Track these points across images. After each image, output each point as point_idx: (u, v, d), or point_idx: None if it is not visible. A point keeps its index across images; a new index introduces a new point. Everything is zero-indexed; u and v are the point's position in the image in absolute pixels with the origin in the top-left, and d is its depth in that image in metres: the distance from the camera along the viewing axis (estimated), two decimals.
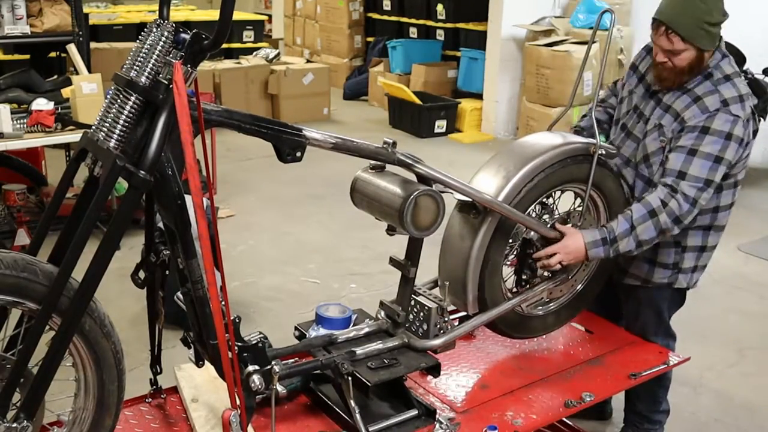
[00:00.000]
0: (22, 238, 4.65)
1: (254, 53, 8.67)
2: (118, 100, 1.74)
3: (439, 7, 9.21)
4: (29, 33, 5.21)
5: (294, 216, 5.60)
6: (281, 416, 2.18)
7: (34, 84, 4.77)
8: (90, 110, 4.40)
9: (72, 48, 5.05)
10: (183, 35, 1.73)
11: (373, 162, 2.17)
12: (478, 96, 8.39)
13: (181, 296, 2.00)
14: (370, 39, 10.34)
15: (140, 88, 1.72)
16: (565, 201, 2.64)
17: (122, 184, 1.73)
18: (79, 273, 1.71)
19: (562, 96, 7.11)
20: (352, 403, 2.08)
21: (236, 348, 1.91)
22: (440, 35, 9.42)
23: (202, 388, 2.28)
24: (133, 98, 1.72)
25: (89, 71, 5.00)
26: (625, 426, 3.03)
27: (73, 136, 4.39)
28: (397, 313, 2.28)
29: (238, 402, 1.87)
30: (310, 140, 1.95)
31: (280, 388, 2.16)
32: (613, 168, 2.62)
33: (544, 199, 2.52)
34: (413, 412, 2.20)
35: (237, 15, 8.46)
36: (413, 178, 2.16)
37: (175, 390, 2.31)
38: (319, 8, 10.66)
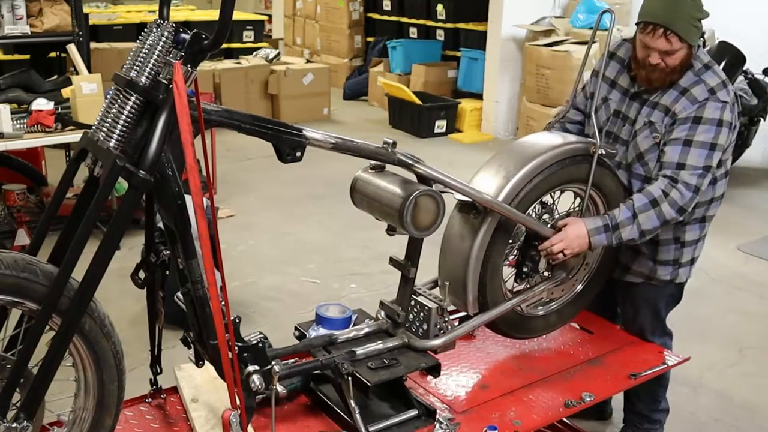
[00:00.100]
0: (22, 238, 4.65)
1: (254, 53, 8.67)
2: (118, 100, 1.74)
3: (439, 7, 9.21)
4: (29, 33, 5.21)
5: (294, 216, 5.60)
6: (281, 416, 2.18)
7: (34, 84, 4.77)
8: (90, 110, 4.40)
9: (72, 48, 5.05)
10: (183, 35, 1.73)
11: (373, 162, 2.17)
12: (478, 96, 8.39)
13: (181, 296, 2.00)
14: (370, 39, 10.34)
15: (140, 88, 1.72)
16: (564, 201, 2.64)
17: (122, 184, 1.73)
18: (79, 273, 1.71)
19: (562, 96, 7.10)
20: (352, 403, 2.08)
21: (236, 348, 1.91)
22: (440, 35, 9.42)
23: (202, 388, 2.28)
24: (133, 98, 1.72)
25: (89, 71, 5.00)
26: (625, 426, 3.04)
27: (73, 136, 4.39)
28: (397, 313, 2.28)
29: (238, 402, 1.87)
30: (310, 140, 1.95)
31: (280, 388, 2.16)
32: (612, 167, 2.62)
33: (544, 199, 2.53)
34: (413, 412, 2.20)
35: (237, 15, 8.46)
36: (413, 178, 2.16)
37: (175, 390, 2.31)
38: (319, 8, 10.66)
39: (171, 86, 1.69)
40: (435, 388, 2.39)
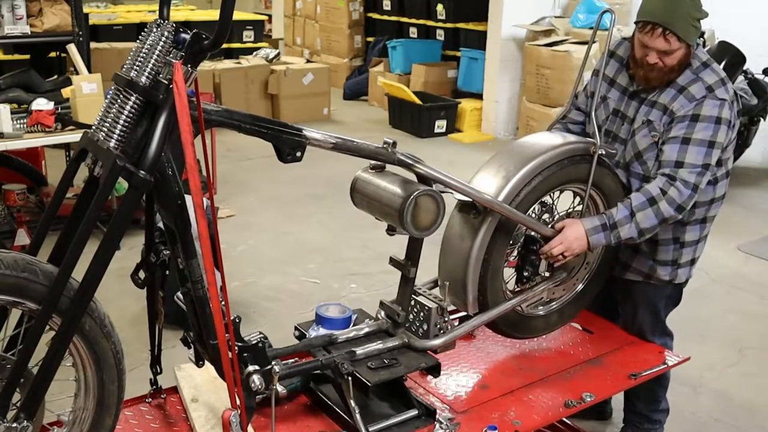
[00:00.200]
0: (22, 238, 4.65)
1: (254, 53, 8.67)
2: (118, 100, 1.74)
3: (439, 7, 9.21)
4: (29, 33, 5.21)
5: (294, 216, 5.60)
6: (281, 416, 2.18)
7: (34, 84, 4.77)
8: (90, 110, 4.40)
9: (72, 48, 5.05)
10: (183, 35, 1.73)
11: (373, 162, 2.17)
12: (478, 96, 8.39)
13: (181, 296, 2.00)
14: (370, 39, 10.34)
15: (140, 88, 1.72)
16: (564, 200, 2.64)
17: (122, 184, 1.73)
18: (79, 273, 1.71)
19: (562, 96, 7.11)
20: (352, 403, 2.08)
21: (236, 348, 1.91)
22: (440, 35, 9.42)
23: (202, 388, 2.28)
24: (133, 98, 1.72)
25: (89, 71, 5.00)
26: (625, 426, 3.03)
27: (73, 136, 4.39)
28: (397, 313, 2.28)
29: (238, 402, 1.87)
30: (310, 140, 1.95)
31: (280, 388, 2.16)
32: (612, 166, 2.62)
33: (544, 199, 2.52)
34: (413, 412, 2.20)
35: (237, 15, 8.46)
36: (413, 178, 2.16)
37: (175, 390, 2.31)
38: (319, 8, 10.66)
39: (171, 86, 1.69)
40: (435, 388, 2.39)
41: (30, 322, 1.78)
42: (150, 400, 2.25)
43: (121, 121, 1.72)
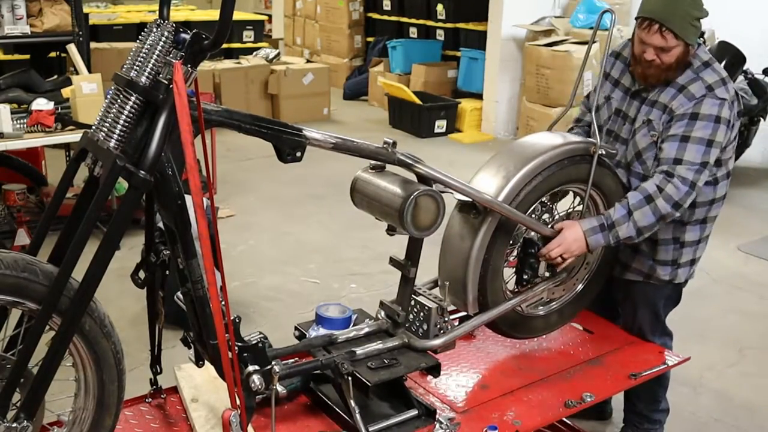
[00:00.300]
0: (22, 238, 4.65)
1: (254, 53, 8.67)
2: (118, 100, 1.74)
3: (439, 7, 9.21)
4: (29, 33, 5.21)
5: (294, 216, 5.60)
6: (281, 416, 2.18)
7: (34, 84, 4.77)
8: (90, 110, 4.40)
9: (72, 48, 5.05)
10: (183, 35, 1.73)
11: (373, 162, 2.17)
12: (478, 96, 8.39)
13: (181, 296, 2.00)
14: (370, 39, 10.34)
15: (140, 88, 1.72)
16: (564, 200, 2.64)
17: (122, 184, 1.73)
18: (79, 273, 1.71)
19: (562, 96, 7.11)
20: (352, 403, 2.08)
21: (236, 348, 1.91)
22: (440, 35, 9.42)
23: (202, 388, 2.28)
24: (133, 98, 1.72)
25: (89, 71, 5.00)
26: (625, 426, 3.03)
27: (73, 136, 4.39)
28: (397, 313, 2.28)
29: (238, 402, 1.87)
30: (310, 140, 1.95)
31: (280, 388, 2.16)
32: (612, 166, 2.62)
33: (544, 199, 2.52)
34: (413, 412, 2.20)
35: (237, 15, 8.46)
36: (413, 178, 2.16)
37: (175, 390, 2.31)
38: (319, 8, 10.66)
39: (171, 86, 1.69)
40: (435, 388, 2.39)
41: (30, 322, 1.78)
42: (150, 400, 2.25)
43: (121, 121, 1.72)
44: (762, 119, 6.32)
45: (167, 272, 2.04)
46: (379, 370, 2.14)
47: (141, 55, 1.74)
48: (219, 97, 7.74)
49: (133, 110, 1.73)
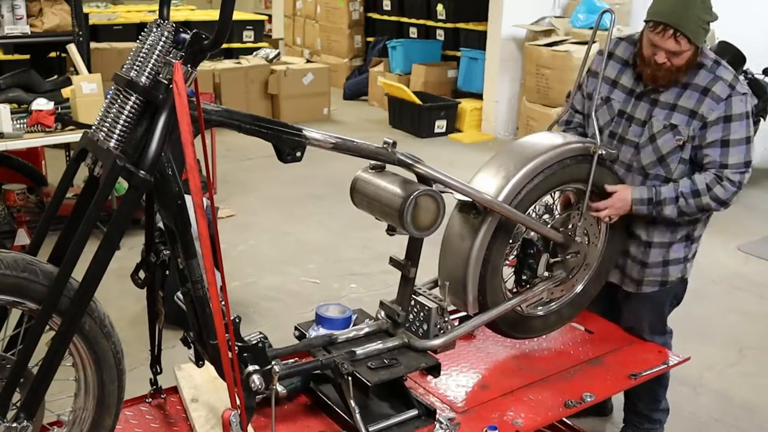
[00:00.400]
0: (22, 238, 4.65)
1: (254, 53, 8.67)
2: (118, 100, 1.74)
3: (439, 7, 9.22)
4: (29, 33, 5.21)
5: (294, 216, 5.60)
6: (281, 416, 2.18)
7: (34, 84, 4.77)
8: (90, 110, 4.40)
9: (72, 48, 5.05)
10: (183, 35, 1.73)
11: (373, 162, 2.17)
12: (478, 96, 8.39)
13: (181, 296, 2.00)
14: (370, 39, 10.34)
15: (140, 88, 1.72)
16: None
17: (122, 184, 1.73)
18: (79, 273, 1.71)
19: (562, 96, 7.10)
20: (352, 403, 2.08)
21: (236, 348, 1.91)
22: (440, 35, 9.42)
23: (202, 388, 2.28)
24: (133, 98, 1.72)
25: (89, 71, 5.00)
26: (625, 425, 3.04)
27: (73, 136, 4.39)
28: (397, 313, 2.28)
29: (238, 402, 1.87)
30: (310, 140, 1.95)
31: (280, 388, 2.16)
32: (612, 167, 2.62)
33: (544, 199, 2.53)
34: (413, 412, 2.20)
35: (237, 15, 8.46)
36: (413, 178, 2.16)
37: (175, 390, 2.31)
38: (319, 8, 10.66)
39: (171, 86, 1.69)
40: (435, 388, 2.39)
41: (30, 322, 1.78)
42: (150, 400, 2.25)
43: (121, 121, 1.72)
44: (762, 119, 6.31)
45: (167, 272, 2.04)
46: (379, 370, 2.14)
47: (141, 55, 1.74)
48: (219, 97, 7.74)
49: (133, 110, 1.73)
